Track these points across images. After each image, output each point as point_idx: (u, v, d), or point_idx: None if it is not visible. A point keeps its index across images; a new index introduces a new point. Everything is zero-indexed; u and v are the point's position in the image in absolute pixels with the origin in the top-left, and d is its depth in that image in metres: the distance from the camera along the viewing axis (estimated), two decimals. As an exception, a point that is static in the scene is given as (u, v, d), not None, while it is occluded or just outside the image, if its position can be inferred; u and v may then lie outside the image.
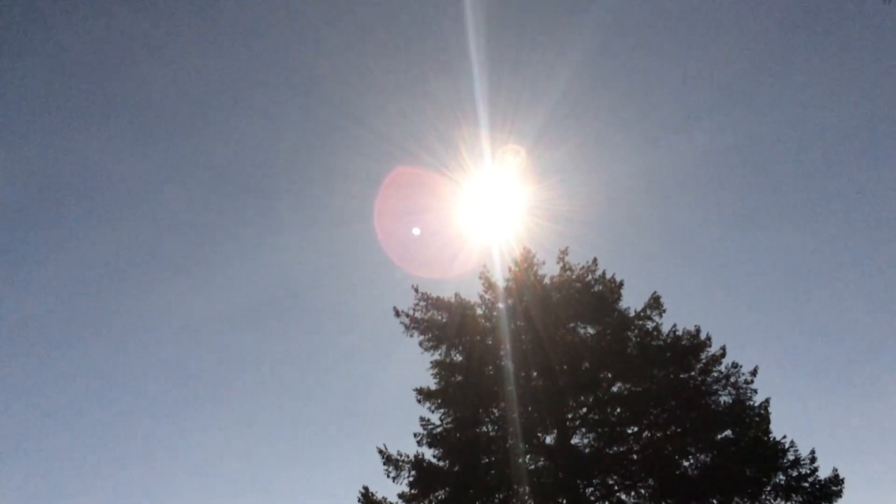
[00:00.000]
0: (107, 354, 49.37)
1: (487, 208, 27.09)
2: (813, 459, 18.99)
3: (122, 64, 44.09)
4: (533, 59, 38.33)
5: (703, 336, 20.86)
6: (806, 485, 18.77)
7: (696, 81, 44.61)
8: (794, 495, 18.76)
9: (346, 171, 45.36)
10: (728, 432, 19.89)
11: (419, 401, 22.19)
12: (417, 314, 22.69)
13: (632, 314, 21.57)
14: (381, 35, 41.55)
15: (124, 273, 51.20)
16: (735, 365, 20.43)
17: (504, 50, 37.03)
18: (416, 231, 29.29)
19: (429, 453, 21.32)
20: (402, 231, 31.64)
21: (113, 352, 49.32)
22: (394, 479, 20.92)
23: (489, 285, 22.77)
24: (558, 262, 22.54)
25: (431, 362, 22.53)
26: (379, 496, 20.55)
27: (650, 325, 21.40)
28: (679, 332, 21.02)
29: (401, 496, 20.80)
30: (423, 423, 21.80)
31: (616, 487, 20.35)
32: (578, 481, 19.97)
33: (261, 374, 51.19)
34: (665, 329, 21.21)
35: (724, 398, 20.33)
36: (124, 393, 49.25)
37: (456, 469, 20.80)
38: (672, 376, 20.65)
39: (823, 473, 18.88)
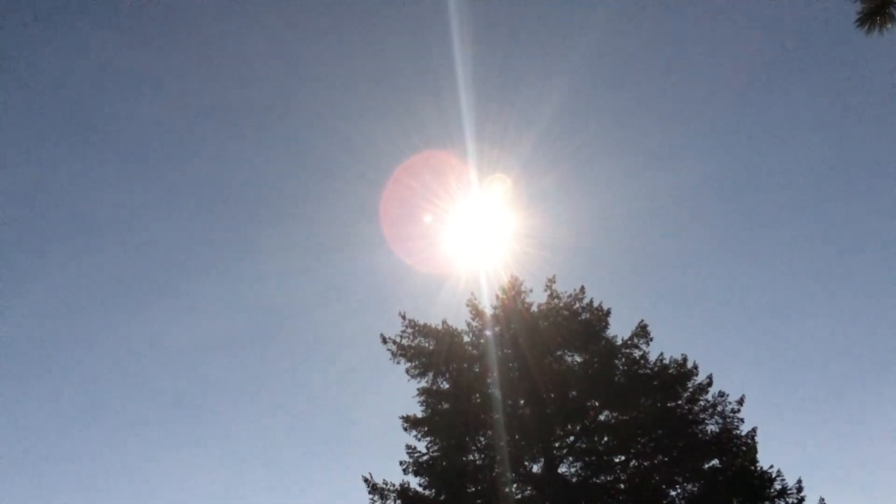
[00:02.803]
0: (86, 380, 48.68)
1: (475, 236, 27.17)
2: (800, 489, 19.01)
3: (106, 90, 44.17)
4: (520, 88, 38.87)
5: (689, 365, 20.88)
6: (793, 514, 18.77)
7: (682, 113, 45.33)
8: (781, 525, 18.74)
9: (331, 199, 45.56)
10: (715, 461, 19.89)
11: (405, 429, 21.99)
12: (404, 341, 22.57)
13: (619, 342, 21.55)
14: (368, 62, 42.00)
15: (106, 299, 50.72)
16: (722, 394, 20.47)
17: (491, 79, 37.58)
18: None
19: (415, 482, 21.13)
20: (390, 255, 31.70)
21: (92, 378, 48.64)
22: (379, 508, 20.69)
23: (477, 312, 22.74)
24: (546, 290, 22.57)
25: (418, 390, 22.37)
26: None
27: (637, 353, 21.39)
28: (666, 361, 21.04)
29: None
30: (410, 451, 21.58)
31: (603, 517, 20.21)
32: (565, 511, 19.81)
33: (244, 401, 50.63)
34: (652, 357, 21.21)
35: (711, 427, 20.35)
36: (101, 419, 48.52)
37: (442, 498, 20.59)
38: (659, 405, 20.65)
39: (810, 503, 18.91)
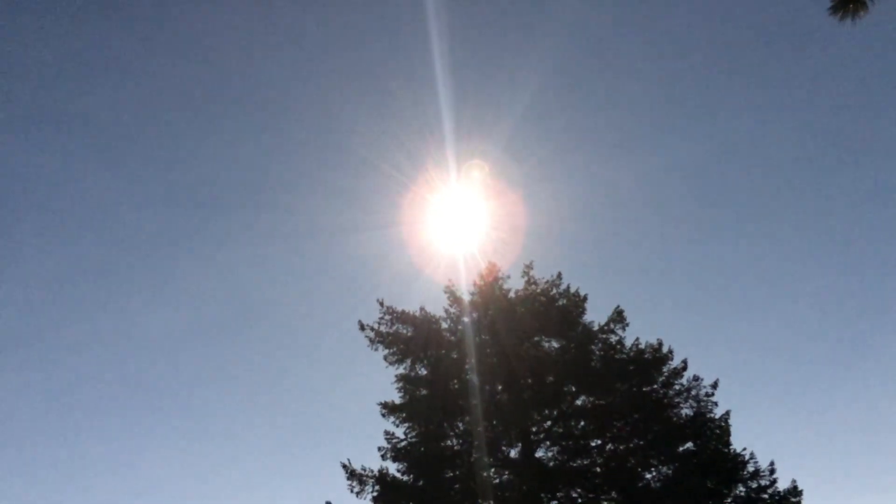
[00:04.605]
0: (58, 371, 48.10)
1: (453, 222, 27.12)
2: (772, 471, 19.37)
3: (80, 76, 43.38)
4: (497, 73, 38.82)
5: (665, 349, 21.11)
6: (766, 496, 19.10)
7: (659, 96, 45.52)
8: (754, 506, 19.08)
9: (307, 186, 45.26)
10: (689, 445, 20.14)
11: (384, 415, 22.02)
12: (382, 328, 22.52)
13: (596, 328, 21.71)
14: (344, 49, 41.64)
15: (81, 289, 50.06)
16: (696, 378, 20.73)
17: (468, 65, 37.45)
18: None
19: (393, 468, 21.20)
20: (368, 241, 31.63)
21: (66, 368, 48.08)
22: (357, 494, 20.71)
23: (454, 299, 22.75)
24: (523, 276, 22.61)
25: (396, 376, 22.38)
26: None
27: (613, 338, 21.57)
28: (642, 346, 21.24)
29: (365, 511, 20.62)
30: (388, 437, 21.64)
31: (580, 500, 20.43)
32: (542, 495, 20.00)
33: (221, 389, 50.39)
34: (628, 342, 21.41)
35: (686, 411, 20.61)
36: (75, 408, 48.03)
37: (420, 483, 20.68)
38: (635, 389, 20.84)
39: (783, 485, 19.24)
